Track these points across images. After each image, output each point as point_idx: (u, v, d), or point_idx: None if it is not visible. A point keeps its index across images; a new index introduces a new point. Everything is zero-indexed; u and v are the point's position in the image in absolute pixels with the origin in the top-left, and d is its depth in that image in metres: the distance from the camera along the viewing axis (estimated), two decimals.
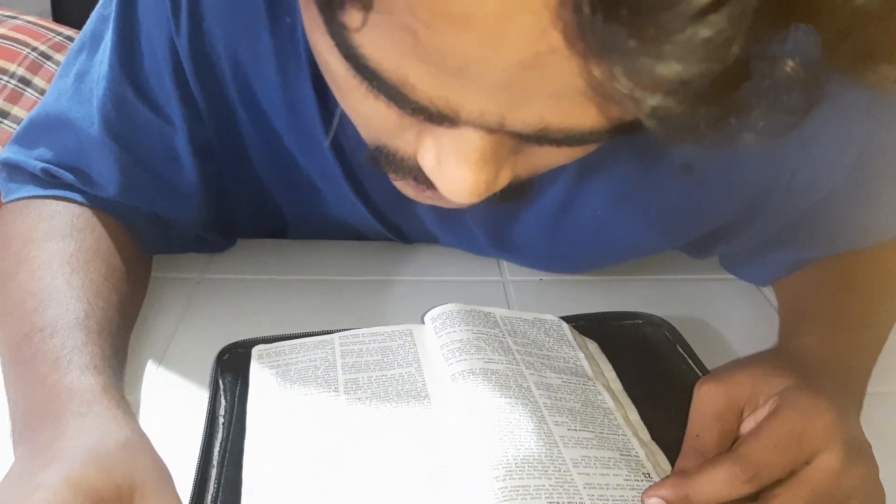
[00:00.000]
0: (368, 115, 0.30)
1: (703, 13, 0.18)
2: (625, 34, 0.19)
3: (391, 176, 0.34)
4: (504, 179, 0.30)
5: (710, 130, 0.23)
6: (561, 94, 0.24)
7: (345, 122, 0.46)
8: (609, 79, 0.21)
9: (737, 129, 0.23)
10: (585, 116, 0.26)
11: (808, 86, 0.22)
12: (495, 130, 0.27)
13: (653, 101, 0.21)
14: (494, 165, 0.29)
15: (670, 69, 0.20)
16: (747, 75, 0.21)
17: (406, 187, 0.35)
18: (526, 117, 0.26)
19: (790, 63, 0.21)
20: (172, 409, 0.43)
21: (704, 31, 0.19)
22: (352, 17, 0.24)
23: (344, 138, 0.48)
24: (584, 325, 0.51)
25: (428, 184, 0.31)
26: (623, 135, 0.27)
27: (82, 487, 0.31)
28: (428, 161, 0.29)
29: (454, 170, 0.28)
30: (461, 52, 0.23)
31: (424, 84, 0.25)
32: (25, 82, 0.96)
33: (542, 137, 0.27)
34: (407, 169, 0.32)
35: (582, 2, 0.20)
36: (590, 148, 0.31)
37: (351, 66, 0.27)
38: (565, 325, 0.49)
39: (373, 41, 0.25)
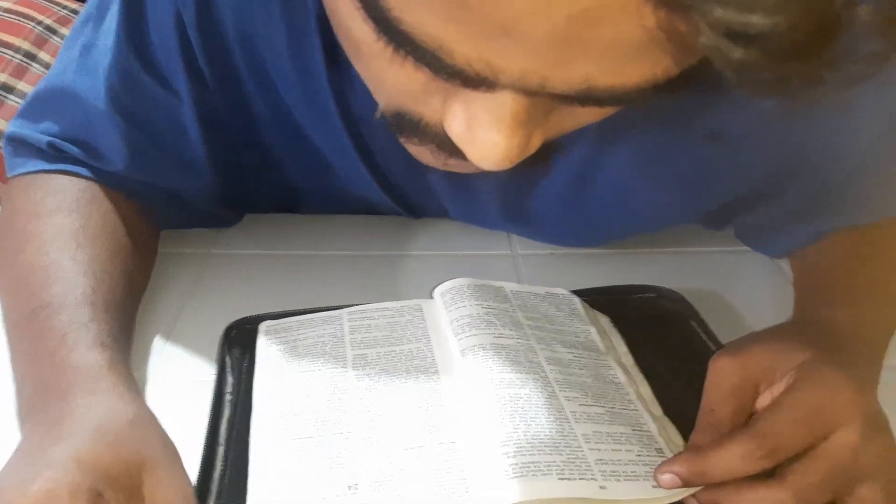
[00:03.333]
0: (392, 81, 0.29)
1: None
2: None
3: (410, 143, 0.33)
4: (536, 143, 0.29)
5: (799, 86, 0.21)
6: (613, 49, 0.23)
7: (356, 91, 0.46)
8: (693, 29, 0.20)
9: (820, 81, 0.22)
10: (633, 73, 0.24)
11: (886, 32, 0.21)
12: (535, 93, 0.25)
13: (739, 53, 0.20)
14: (527, 129, 0.27)
15: (760, 20, 0.19)
16: (839, 30, 0.20)
17: (425, 154, 0.33)
18: (570, 77, 0.24)
19: (866, 9, 0.20)
20: (180, 385, 0.43)
21: None
22: None
23: (355, 109, 0.47)
24: (596, 299, 0.50)
25: (451, 151, 0.30)
26: (668, 92, 0.26)
27: (91, 464, 0.31)
28: (456, 127, 0.28)
29: (486, 135, 0.27)
30: (507, 10, 0.22)
31: (464, 46, 0.24)
32: (31, 56, 0.95)
33: (585, 97, 0.25)
34: (430, 136, 0.31)
35: None
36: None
37: (380, 29, 0.25)
38: (576, 300, 0.49)
39: (407, 2, 0.24)
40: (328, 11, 0.29)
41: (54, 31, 1.00)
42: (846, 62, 0.21)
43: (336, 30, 0.30)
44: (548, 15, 0.22)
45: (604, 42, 0.23)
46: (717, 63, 0.21)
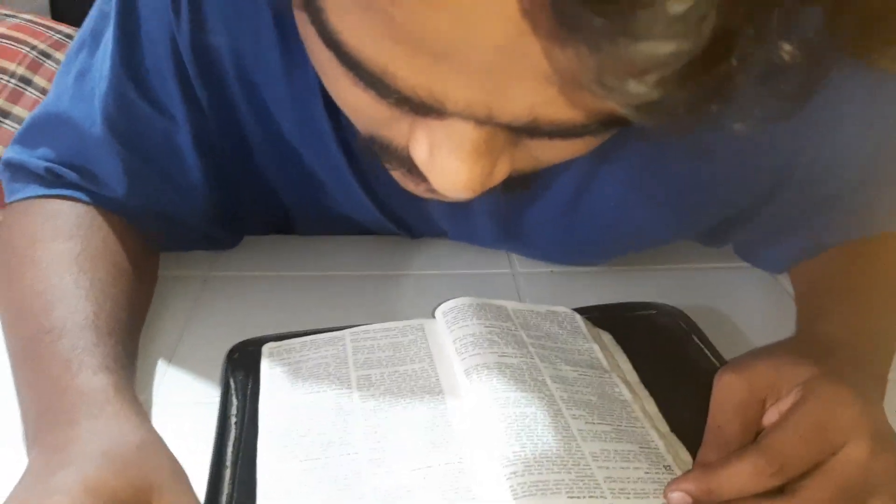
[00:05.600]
0: (356, 105, 0.29)
1: None
2: (590, 11, 0.18)
3: (387, 166, 0.34)
4: (501, 173, 0.29)
5: (691, 116, 0.21)
6: (543, 82, 0.23)
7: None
8: (577, 64, 0.20)
9: (725, 114, 0.22)
10: (575, 108, 0.24)
11: (807, 71, 0.21)
12: (484, 122, 0.26)
13: (625, 86, 0.20)
14: (489, 158, 0.28)
15: (641, 50, 0.19)
16: (727, 55, 0.20)
17: (402, 179, 0.34)
18: (514, 108, 0.24)
19: (787, 47, 0.20)
20: (184, 408, 0.43)
21: (676, 7, 0.17)
22: None
23: (349, 130, 0.47)
24: (598, 316, 0.50)
25: (421, 176, 0.30)
26: (617, 126, 0.26)
27: (99, 490, 0.31)
28: (420, 154, 0.28)
29: (447, 163, 0.27)
30: (439, 36, 0.22)
31: (405, 72, 0.24)
32: (26, 81, 0.95)
33: (533, 130, 0.26)
34: (400, 160, 0.31)
35: None
36: (596, 142, 0.30)
37: (332, 53, 0.26)
38: (578, 317, 0.49)
39: (351, 26, 0.24)
40: (303, 41, 0.30)
41: (48, 56, 1.00)
42: (756, 96, 0.21)
43: (309, 55, 0.30)
44: (477, 43, 0.22)
45: (534, 75, 0.23)
46: (605, 99, 0.21)
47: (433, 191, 0.31)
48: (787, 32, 0.20)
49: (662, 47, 0.18)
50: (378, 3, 0.22)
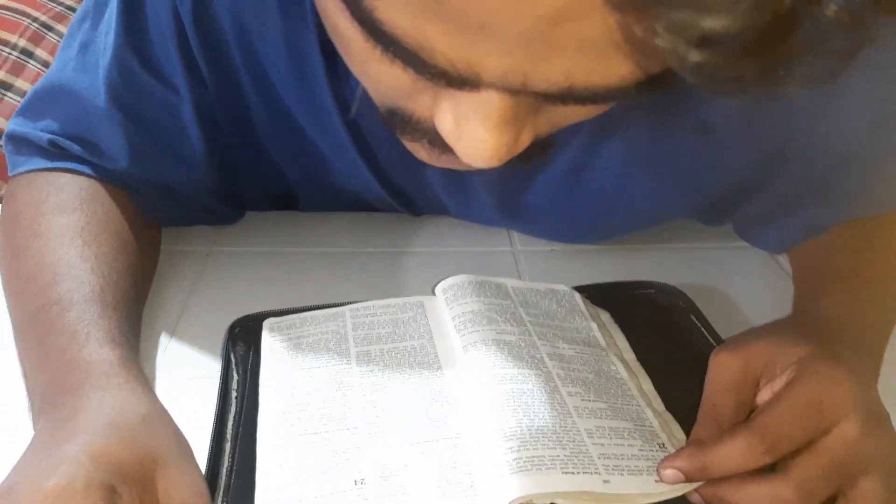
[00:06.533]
0: (382, 79, 0.29)
1: None
2: None
3: (404, 139, 0.34)
4: (525, 141, 0.29)
5: (757, 83, 0.22)
6: (589, 49, 0.23)
7: (353, 88, 0.46)
8: (649, 32, 0.20)
9: (781, 79, 0.22)
10: (612, 72, 0.25)
11: (852, 29, 0.21)
12: (518, 91, 0.26)
13: (694, 54, 0.20)
14: (515, 127, 0.28)
15: (713, 21, 0.19)
16: (793, 26, 0.20)
17: (419, 150, 0.34)
18: (550, 76, 0.25)
19: (833, 6, 0.20)
20: (186, 382, 0.43)
21: None
22: None
23: (352, 105, 0.47)
24: (596, 294, 0.50)
25: (443, 147, 0.30)
26: (651, 90, 0.26)
27: (105, 460, 0.31)
28: (446, 124, 0.28)
29: (474, 133, 0.28)
30: (481, 7, 0.22)
31: (444, 45, 0.24)
32: (28, 54, 0.95)
33: (567, 96, 0.26)
34: (422, 132, 0.31)
35: None
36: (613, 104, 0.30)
37: (364, 29, 0.26)
38: (577, 296, 0.49)
39: (389, 4, 0.24)
40: (319, 11, 0.30)
41: (50, 28, 0.99)
42: (808, 59, 0.21)
43: (328, 29, 0.30)
44: (518, 14, 0.22)
45: (576, 41, 0.23)
46: (673, 65, 0.21)
47: (452, 161, 0.31)
48: None
49: (732, 21, 0.19)
50: None
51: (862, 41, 0.21)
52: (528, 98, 0.26)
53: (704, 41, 0.20)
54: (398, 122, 0.32)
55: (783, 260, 0.57)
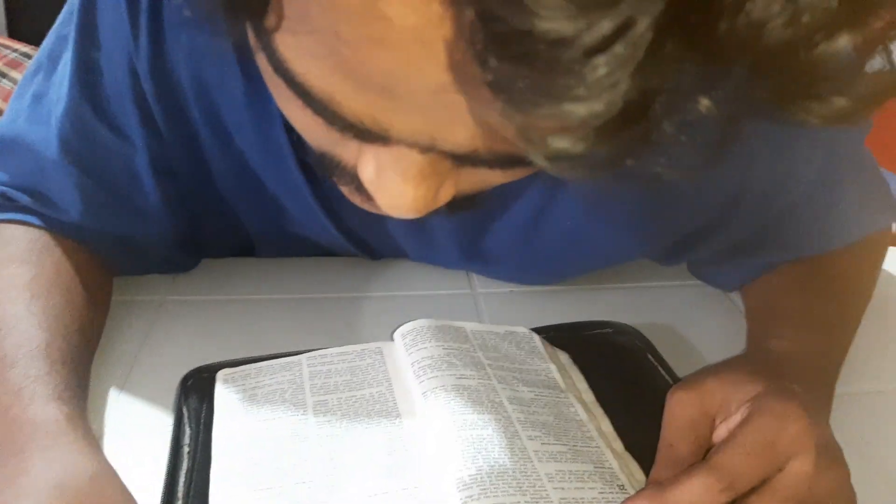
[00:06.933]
0: (307, 127, 0.30)
1: (589, 54, 0.18)
2: (516, 73, 0.19)
3: (336, 182, 0.34)
4: (446, 195, 0.30)
5: (610, 167, 0.22)
6: (481, 118, 0.24)
7: None
8: (500, 119, 0.21)
9: (648, 163, 0.23)
10: (512, 142, 0.25)
11: (723, 124, 0.22)
12: (428, 150, 0.26)
13: (546, 141, 0.21)
14: (434, 181, 0.28)
15: (562, 110, 0.19)
16: (645, 113, 0.21)
17: (351, 195, 0.34)
18: (456, 139, 0.25)
19: (704, 101, 0.21)
20: (136, 437, 0.42)
21: (593, 73, 0.18)
22: (269, 19, 0.24)
23: (309, 153, 0.47)
24: (555, 335, 0.50)
25: (367, 195, 0.31)
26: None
27: None
28: (367, 174, 0.29)
29: (393, 185, 0.28)
30: (382, 72, 0.23)
31: (351, 101, 0.25)
32: None
33: (475, 159, 0.26)
34: (350, 177, 0.32)
35: (475, 38, 0.19)
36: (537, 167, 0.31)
37: (281, 79, 0.26)
38: (536, 337, 0.49)
39: (299, 56, 0.25)
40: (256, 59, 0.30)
41: (4, 75, 0.98)
42: (674, 148, 0.22)
43: (263, 76, 0.30)
44: (418, 81, 0.23)
45: (468, 111, 0.24)
46: (527, 152, 0.22)
47: (379, 208, 0.31)
48: (704, 88, 0.20)
49: (583, 108, 0.19)
50: (325, 39, 0.23)
51: (735, 133, 0.22)
52: (445, 155, 0.27)
53: (553, 129, 0.20)
54: (327, 166, 0.32)
55: (736, 297, 0.58)
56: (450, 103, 0.23)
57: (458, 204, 0.31)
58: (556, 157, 0.21)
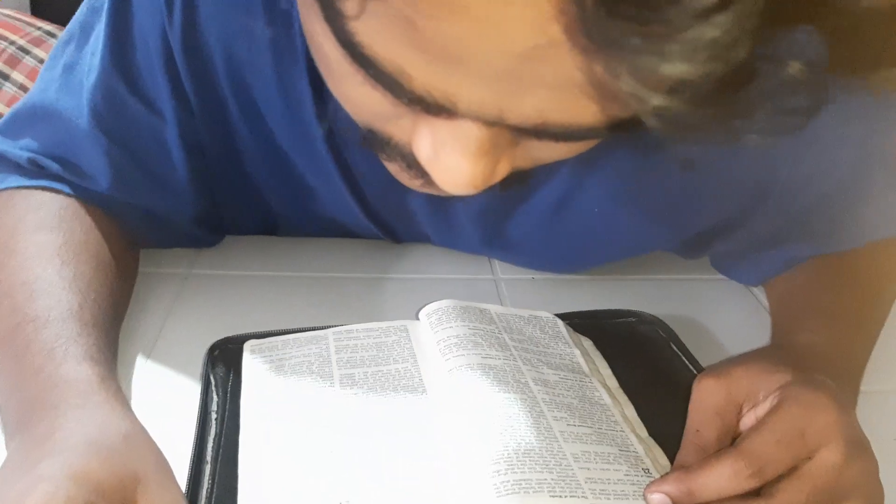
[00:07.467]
0: (363, 101, 0.29)
1: (709, 12, 0.18)
2: (628, 31, 0.19)
3: (383, 159, 0.34)
4: (503, 171, 0.30)
5: (714, 130, 0.22)
6: (560, 88, 0.24)
7: (340, 116, 0.46)
8: (612, 76, 0.21)
9: (741, 129, 0.23)
10: (585, 112, 0.25)
11: (813, 88, 0.22)
12: (493, 123, 0.26)
13: (656, 100, 0.21)
14: (493, 156, 0.28)
15: (675, 68, 0.19)
16: (752, 76, 0.21)
17: (399, 172, 0.34)
18: (524, 111, 0.25)
19: (796, 65, 0.21)
20: (162, 404, 0.42)
21: (710, 31, 0.18)
22: (349, 5, 0.24)
23: (339, 134, 0.47)
24: (579, 322, 0.50)
25: (420, 171, 0.31)
26: (623, 131, 0.27)
27: (85, 479, 0.30)
28: (424, 150, 0.29)
29: (451, 160, 0.28)
30: (459, 42, 0.23)
31: (422, 74, 0.25)
32: (3, 76, 0.94)
33: (541, 132, 0.26)
34: (400, 155, 0.31)
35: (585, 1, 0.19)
36: (593, 142, 0.31)
37: (347, 53, 0.26)
38: (560, 322, 0.49)
39: (370, 29, 0.24)
40: (305, 33, 0.30)
41: (27, 52, 0.99)
42: (768, 112, 0.22)
43: (312, 51, 0.30)
44: (491, 50, 0.23)
45: (551, 81, 0.24)
46: (636, 109, 0.22)
47: (429, 185, 0.31)
48: (794, 52, 0.21)
49: (693, 69, 0.19)
50: (402, 11, 0.23)
51: (822, 100, 0.22)
52: (506, 130, 0.27)
53: (665, 88, 0.20)
54: (377, 143, 0.32)
55: (759, 292, 0.58)
56: (527, 71, 0.23)
57: (511, 180, 0.31)
58: (660, 115, 0.21)
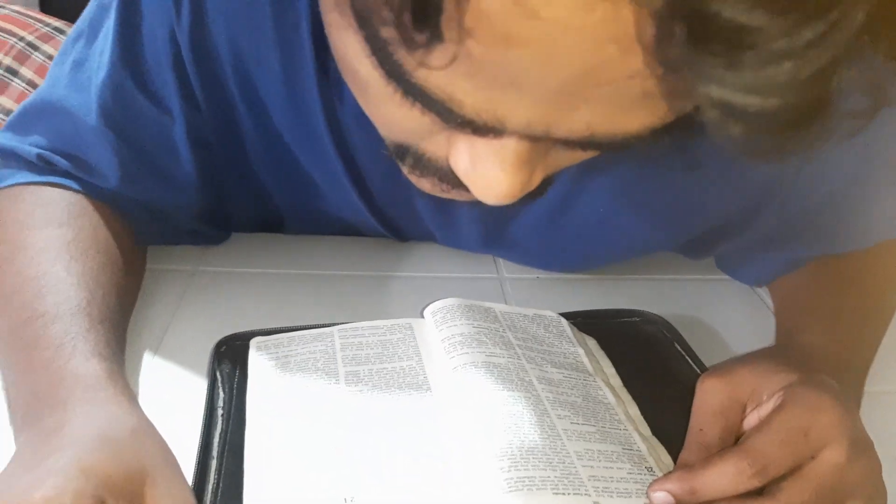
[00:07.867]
0: (401, 122, 0.29)
1: (798, 51, 0.18)
2: (715, 63, 0.19)
3: (412, 175, 0.34)
4: (537, 179, 0.30)
5: (795, 151, 0.23)
6: (613, 101, 0.24)
7: (347, 115, 0.46)
8: (698, 103, 0.21)
9: (811, 145, 0.23)
10: (632, 121, 0.25)
11: (870, 92, 0.22)
12: (540, 139, 0.27)
13: (737, 129, 0.21)
14: (530, 167, 0.29)
15: (763, 101, 0.20)
16: (833, 102, 0.21)
17: (426, 184, 0.34)
18: (573, 125, 0.25)
19: (853, 71, 0.21)
20: (169, 399, 0.43)
21: (800, 69, 0.18)
22: (435, 55, 0.23)
23: (346, 133, 0.47)
24: (583, 321, 0.51)
25: (454, 183, 0.31)
26: (667, 136, 0.27)
27: (94, 473, 0.30)
28: (462, 164, 0.29)
29: (491, 173, 0.28)
30: (513, 66, 0.23)
31: (472, 99, 0.25)
32: (12, 72, 0.94)
33: (588, 143, 0.27)
34: (433, 169, 0.32)
35: (674, 29, 0.19)
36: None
37: (392, 80, 0.26)
38: (564, 321, 0.49)
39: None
40: (333, 49, 0.30)
41: (36, 48, 0.99)
42: (836, 121, 0.22)
43: (341, 68, 0.30)
44: (550, 72, 0.23)
45: (605, 96, 0.24)
46: (714, 134, 0.22)
47: (462, 195, 0.31)
48: (856, 58, 0.21)
49: (775, 102, 0.20)
50: (458, 46, 0.22)
51: (883, 101, 0.22)
52: (546, 142, 0.27)
53: (746, 117, 0.21)
54: (409, 159, 0.32)
55: (763, 292, 0.58)
56: (577, 90, 0.23)
57: (539, 187, 0.31)
58: (743, 140, 0.21)
